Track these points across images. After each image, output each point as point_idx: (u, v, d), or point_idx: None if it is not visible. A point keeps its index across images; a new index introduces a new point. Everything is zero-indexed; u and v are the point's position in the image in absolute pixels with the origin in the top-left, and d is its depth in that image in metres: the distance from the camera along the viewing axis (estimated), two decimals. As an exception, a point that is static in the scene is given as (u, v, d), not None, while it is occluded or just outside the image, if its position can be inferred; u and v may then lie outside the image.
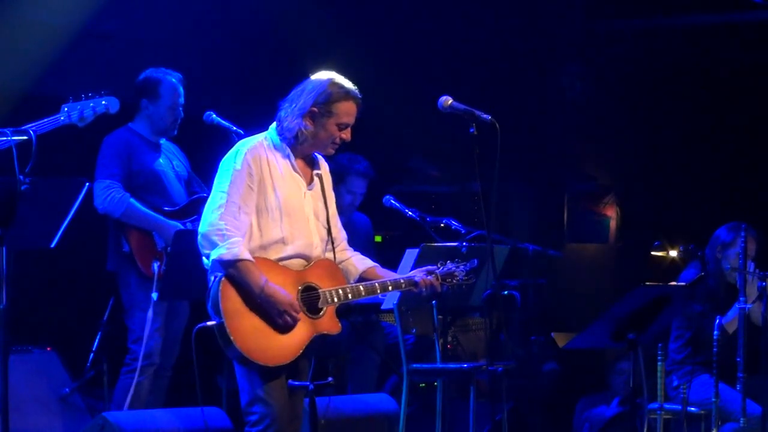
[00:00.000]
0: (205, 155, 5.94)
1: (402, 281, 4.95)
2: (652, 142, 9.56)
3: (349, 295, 4.87)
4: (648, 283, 5.54)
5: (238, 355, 4.66)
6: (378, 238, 8.27)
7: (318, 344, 4.81)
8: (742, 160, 9.14)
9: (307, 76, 4.91)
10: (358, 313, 6.84)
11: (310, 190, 4.93)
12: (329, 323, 4.83)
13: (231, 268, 4.65)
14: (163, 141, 6.48)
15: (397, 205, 7.00)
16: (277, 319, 4.69)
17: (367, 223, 7.47)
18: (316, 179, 4.96)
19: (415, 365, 6.30)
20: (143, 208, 6.17)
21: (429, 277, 4.94)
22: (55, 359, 6.68)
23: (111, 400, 6.42)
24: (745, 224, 6.51)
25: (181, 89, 6.40)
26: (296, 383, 4.77)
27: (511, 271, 7.58)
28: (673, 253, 6.95)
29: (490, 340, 7.03)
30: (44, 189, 4.50)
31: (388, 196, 7.07)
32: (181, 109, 6.41)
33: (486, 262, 5.81)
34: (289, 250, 4.81)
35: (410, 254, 6.13)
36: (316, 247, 4.90)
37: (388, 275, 4.99)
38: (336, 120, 4.84)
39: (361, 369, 7.03)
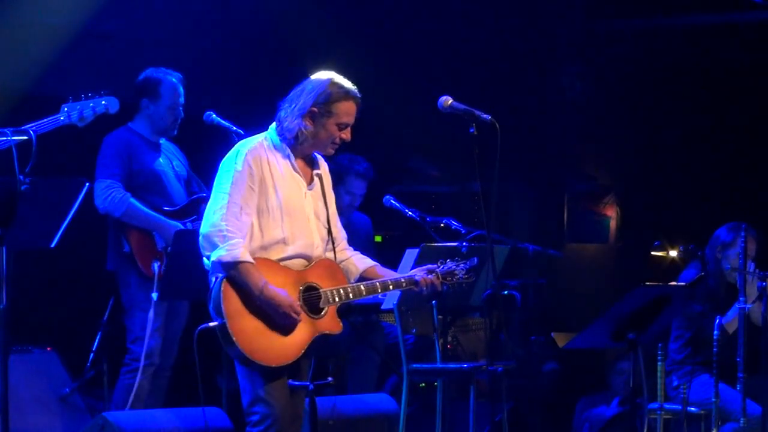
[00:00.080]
0: (205, 155, 5.94)
1: (403, 280, 4.95)
2: (652, 142, 9.56)
3: (350, 295, 4.87)
4: (648, 283, 5.54)
5: (240, 355, 4.67)
6: (378, 238, 8.27)
7: (319, 344, 4.81)
8: (742, 160, 9.13)
9: (307, 76, 4.91)
10: (358, 313, 6.84)
11: (310, 190, 4.93)
12: (331, 323, 4.83)
13: (231, 270, 4.66)
14: (162, 141, 6.48)
15: (397, 205, 7.00)
16: (279, 320, 4.70)
17: (367, 223, 7.47)
18: (316, 179, 4.96)
19: (415, 365, 6.30)
20: (144, 208, 6.17)
21: (429, 276, 4.94)
22: (55, 359, 6.68)
23: (111, 400, 6.42)
24: (745, 224, 6.51)
25: (181, 89, 6.40)
26: (296, 383, 4.77)
27: (511, 271, 7.58)
28: (673, 253, 6.95)
29: (490, 340, 7.03)
30: (44, 189, 4.49)
31: (388, 196, 7.07)
32: (181, 109, 6.41)
33: (486, 262, 5.81)
34: (290, 251, 4.81)
35: (410, 254, 6.13)
36: (317, 247, 4.90)
37: (388, 274, 4.99)
38: (336, 120, 4.84)
39: (361, 369, 7.03)
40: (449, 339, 7.53)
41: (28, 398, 6.36)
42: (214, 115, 6.19)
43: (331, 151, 4.95)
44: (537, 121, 9.46)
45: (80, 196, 4.66)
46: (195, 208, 6.28)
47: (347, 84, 4.87)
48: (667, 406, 6.45)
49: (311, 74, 4.91)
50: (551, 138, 9.59)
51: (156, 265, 6.08)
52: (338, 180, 6.94)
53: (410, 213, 6.94)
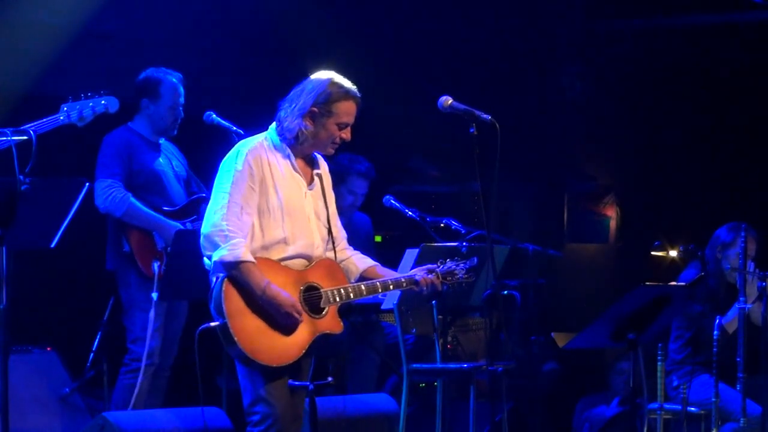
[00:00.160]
0: (205, 155, 5.94)
1: (403, 280, 4.95)
2: (652, 142, 9.56)
3: (351, 295, 4.87)
4: (648, 283, 5.53)
5: (241, 355, 4.67)
6: (378, 238, 8.27)
7: (320, 344, 4.81)
8: (742, 160, 9.13)
9: (307, 76, 4.91)
10: (358, 313, 6.84)
11: (310, 189, 4.93)
12: (331, 323, 4.83)
13: (233, 270, 4.66)
14: (162, 141, 6.47)
15: (397, 205, 7.00)
16: (280, 320, 4.70)
17: (368, 223, 7.47)
18: (316, 179, 4.96)
19: (415, 365, 6.30)
20: (144, 208, 6.17)
21: (430, 276, 4.94)
22: (55, 359, 6.68)
23: (110, 400, 6.41)
24: (745, 224, 6.51)
25: (182, 89, 6.40)
26: (297, 383, 4.77)
27: (511, 271, 7.57)
28: (673, 253, 6.95)
29: (490, 340, 7.03)
30: (44, 189, 4.50)
31: (388, 196, 7.07)
32: (181, 109, 6.41)
33: (486, 262, 5.81)
34: (290, 251, 4.82)
35: (410, 254, 6.13)
36: (318, 247, 4.91)
37: (388, 274, 4.99)
38: (336, 120, 4.84)
39: (361, 369, 7.03)
40: (449, 339, 7.52)
41: (28, 398, 6.36)
42: (214, 115, 6.19)
43: (332, 151, 4.95)
44: (537, 121, 9.46)
45: (80, 196, 4.67)
46: (195, 208, 6.28)
47: (347, 84, 4.87)
48: (667, 406, 6.45)
49: (311, 74, 4.91)
50: (551, 138, 9.59)
51: (156, 265, 6.08)
52: (340, 180, 6.95)
53: (410, 213, 6.94)
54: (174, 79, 6.38)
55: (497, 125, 4.79)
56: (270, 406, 4.71)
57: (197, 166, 6.56)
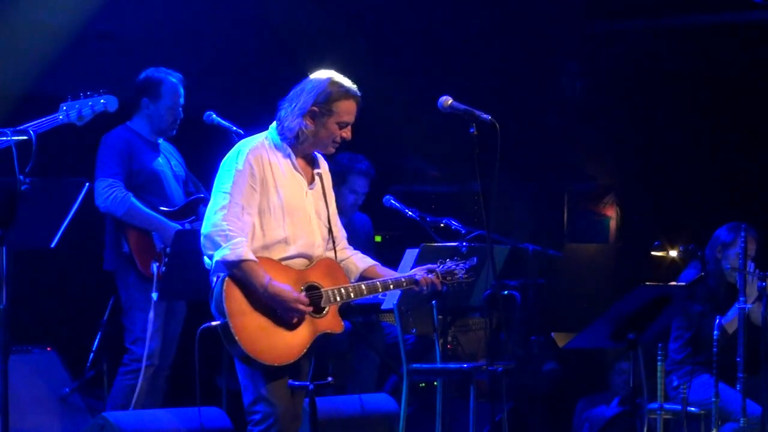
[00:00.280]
0: (205, 155, 5.94)
1: (403, 280, 4.96)
2: (652, 142, 9.56)
3: (352, 294, 4.87)
4: (648, 283, 5.54)
5: (242, 354, 4.67)
6: (378, 238, 8.27)
7: (320, 343, 4.81)
8: (742, 160, 9.13)
9: (306, 76, 4.92)
10: (358, 313, 6.84)
11: (311, 189, 4.93)
12: (332, 322, 4.83)
13: (235, 269, 4.66)
14: (160, 141, 6.47)
15: (397, 205, 7.00)
16: (284, 316, 4.69)
17: (368, 223, 7.47)
18: (317, 178, 4.97)
19: (415, 365, 6.30)
20: (145, 209, 6.16)
21: (430, 276, 4.94)
22: (55, 359, 6.68)
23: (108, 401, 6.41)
24: (745, 224, 6.51)
25: (182, 90, 6.40)
26: (296, 383, 4.77)
27: (511, 271, 7.58)
28: (673, 253, 6.95)
29: (490, 340, 7.02)
30: (44, 189, 4.50)
31: (388, 196, 7.07)
32: (180, 109, 6.41)
33: (486, 262, 5.81)
34: (291, 250, 4.82)
35: (410, 254, 6.13)
36: (318, 247, 4.91)
37: (388, 273, 4.99)
38: (336, 119, 4.85)
39: (361, 369, 7.03)
40: (449, 339, 7.52)
41: (28, 398, 6.36)
42: (214, 115, 6.19)
43: (332, 150, 4.95)
44: (537, 121, 9.46)
45: (80, 196, 4.67)
46: (193, 209, 6.28)
47: (347, 83, 4.87)
48: (667, 406, 6.45)
49: (311, 74, 4.91)
50: (551, 138, 9.59)
51: (155, 266, 6.08)
52: (341, 180, 6.95)
53: (410, 213, 6.94)
54: (174, 80, 6.38)
55: (497, 125, 4.79)
56: (271, 406, 4.71)
57: (197, 166, 6.55)
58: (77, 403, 6.63)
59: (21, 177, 4.25)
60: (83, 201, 4.71)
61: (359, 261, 5.05)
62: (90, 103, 4.96)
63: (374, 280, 4.94)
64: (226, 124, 6.15)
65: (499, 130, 4.77)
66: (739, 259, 6.43)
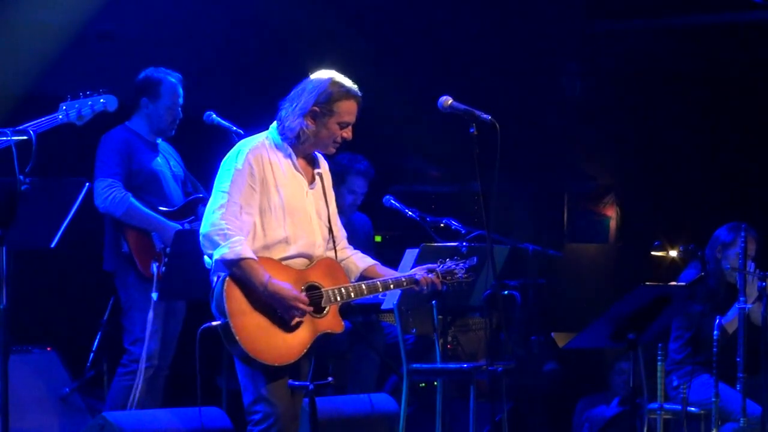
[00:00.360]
0: (205, 155, 5.94)
1: (403, 279, 4.96)
2: (652, 142, 9.56)
3: (352, 294, 4.87)
4: (648, 283, 5.53)
5: (243, 354, 4.67)
6: (378, 238, 8.27)
7: (321, 343, 4.81)
8: (742, 160, 9.13)
9: (307, 76, 4.92)
10: (358, 313, 6.84)
11: (311, 189, 4.93)
12: (332, 322, 4.83)
13: (234, 268, 4.66)
14: (159, 140, 6.47)
15: (397, 205, 7.00)
16: (284, 314, 4.69)
17: (367, 222, 7.47)
18: (317, 178, 4.97)
19: (415, 365, 6.30)
20: (144, 209, 6.16)
21: (430, 275, 4.94)
22: (55, 359, 6.68)
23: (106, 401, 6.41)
24: (745, 224, 6.51)
25: (181, 90, 6.40)
26: (296, 383, 4.77)
27: (511, 271, 7.58)
28: (673, 253, 6.95)
29: (490, 340, 7.02)
30: (44, 189, 4.50)
31: (388, 196, 7.07)
32: (179, 109, 6.40)
33: (486, 262, 5.81)
34: (292, 250, 4.82)
35: (410, 254, 6.13)
36: (319, 246, 4.91)
37: (388, 273, 4.99)
38: (337, 119, 4.85)
39: (361, 369, 7.03)
40: (449, 339, 7.53)
41: (28, 398, 6.36)
42: (214, 115, 6.19)
43: (333, 150, 4.95)
44: (537, 121, 9.46)
45: (80, 197, 4.67)
46: (192, 208, 6.27)
47: (348, 83, 4.87)
48: (667, 406, 6.45)
49: (311, 74, 4.91)
50: (551, 138, 9.59)
51: (155, 266, 6.07)
52: (340, 180, 6.95)
53: (410, 213, 6.94)
54: (173, 80, 6.38)
55: (497, 125, 4.79)
56: (271, 406, 4.71)
57: (197, 166, 6.55)
58: (77, 403, 6.64)
59: (21, 177, 4.25)
60: (83, 201, 4.71)
61: (359, 261, 5.06)
62: (90, 102, 4.96)
63: (374, 280, 4.94)
64: (226, 124, 6.15)
65: (499, 130, 4.77)
66: (739, 259, 6.43)
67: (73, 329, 7.35)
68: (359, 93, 4.88)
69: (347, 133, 4.90)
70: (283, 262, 4.79)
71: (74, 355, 6.96)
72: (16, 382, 6.00)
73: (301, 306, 4.70)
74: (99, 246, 6.36)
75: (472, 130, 4.83)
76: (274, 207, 4.80)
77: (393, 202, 7.02)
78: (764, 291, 6.34)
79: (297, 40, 8.11)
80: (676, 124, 9.35)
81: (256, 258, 4.68)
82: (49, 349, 6.72)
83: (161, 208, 6.23)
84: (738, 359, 6.35)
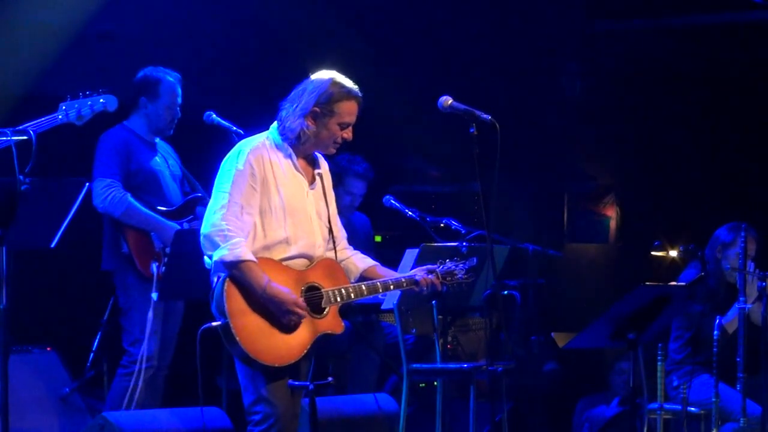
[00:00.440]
0: (205, 155, 5.94)
1: (403, 280, 4.96)
2: (652, 142, 9.56)
3: (352, 295, 4.87)
4: (648, 283, 5.53)
5: (243, 355, 4.67)
6: (378, 238, 8.27)
7: (321, 344, 4.81)
8: (742, 160, 9.13)
9: (307, 76, 4.91)
10: (358, 313, 6.84)
11: (312, 189, 4.93)
12: (332, 323, 4.83)
13: (234, 269, 4.66)
14: (157, 140, 6.46)
15: (397, 205, 7.00)
16: (282, 318, 4.69)
17: (367, 223, 7.47)
18: (317, 178, 4.97)
19: (415, 365, 6.29)
20: (143, 209, 6.16)
21: (430, 276, 4.94)
22: (55, 359, 6.68)
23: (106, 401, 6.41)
24: (745, 224, 6.51)
25: (180, 89, 6.39)
26: (296, 383, 4.77)
27: (511, 271, 7.58)
28: (673, 253, 6.95)
29: (490, 340, 7.02)
30: (44, 189, 4.50)
31: (388, 196, 7.07)
32: (178, 109, 6.40)
33: (486, 262, 5.81)
34: (292, 250, 4.82)
35: (410, 254, 6.13)
36: (319, 247, 4.91)
37: (388, 274, 4.99)
38: (338, 119, 4.85)
39: (361, 369, 7.03)
40: (449, 339, 7.52)
41: (28, 398, 6.36)
42: (214, 115, 6.19)
43: (333, 151, 4.95)
44: (537, 121, 9.46)
45: (80, 197, 4.67)
46: (191, 208, 6.27)
47: (348, 83, 4.87)
48: (667, 406, 6.45)
49: (311, 74, 4.91)
50: (551, 138, 9.59)
51: (154, 266, 6.07)
52: (338, 181, 6.94)
53: (410, 213, 6.94)
54: (172, 79, 6.37)
55: (497, 125, 4.79)
56: (271, 406, 4.71)
57: (197, 166, 6.55)
58: (77, 403, 6.63)
59: (21, 177, 4.25)
60: (83, 201, 4.71)
61: (359, 261, 5.06)
62: (89, 102, 4.96)
63: (374, 281, 4.94)
64: (226, 124, 6.15)
65: (498, 130, 4.77)
66: (739, 259, 6.43)
67: (73, 329, 7.35)
68: (360, 94, 4.88)
69: (348, 134, 4.90)
70: (284, 263, 4.79)
71: (74, 355, 6.96)
72: (16, 382, 6.00)
73: (299, 311, 4.70)
74: (99, 246, 6.35)
75: (472, 130, 4.83)
76: (275, 207, 4.80)
77: (393, 202, 7.02)
78: (764, 291, 6.34)
79: (297, 40, 8.11)
80: (676, 124, 9.35)
81: (255, 260, 4.68)
82: (49, 349, 6.72)
83: (160, 207, 6.23)
84: (738, 359, 6.35)
